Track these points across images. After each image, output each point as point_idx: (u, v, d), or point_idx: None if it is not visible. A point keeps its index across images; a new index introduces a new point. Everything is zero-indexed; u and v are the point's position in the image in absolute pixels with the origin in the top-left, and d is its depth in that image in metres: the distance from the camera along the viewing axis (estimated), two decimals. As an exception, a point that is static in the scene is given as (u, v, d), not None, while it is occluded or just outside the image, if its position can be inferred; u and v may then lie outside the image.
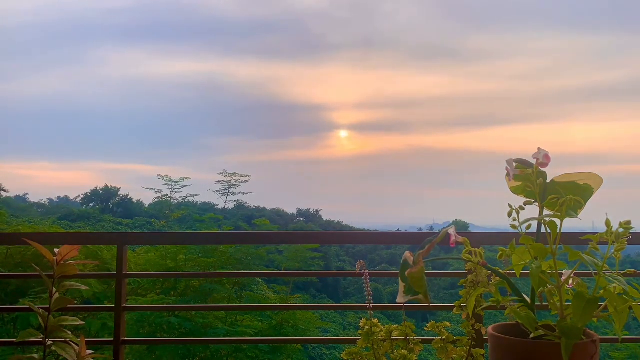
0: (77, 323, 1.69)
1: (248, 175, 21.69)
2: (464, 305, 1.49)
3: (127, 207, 34.68)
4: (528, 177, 1.33)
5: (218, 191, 23.72)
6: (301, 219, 37.70)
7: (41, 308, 1.67)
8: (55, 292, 1.66)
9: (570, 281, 1.28)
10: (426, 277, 1.40)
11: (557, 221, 1.24)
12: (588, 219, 1.38)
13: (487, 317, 2.01)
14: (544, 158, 1.31)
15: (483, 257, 1.42)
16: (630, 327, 13.98)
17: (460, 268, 2.44)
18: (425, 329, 1.58)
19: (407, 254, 1.45)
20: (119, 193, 36.76)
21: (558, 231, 1.24)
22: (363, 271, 1.66)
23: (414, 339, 1.55)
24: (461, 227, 23.71)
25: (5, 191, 27.66)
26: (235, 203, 30.08)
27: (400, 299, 1.46)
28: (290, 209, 39.81)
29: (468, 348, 1.52)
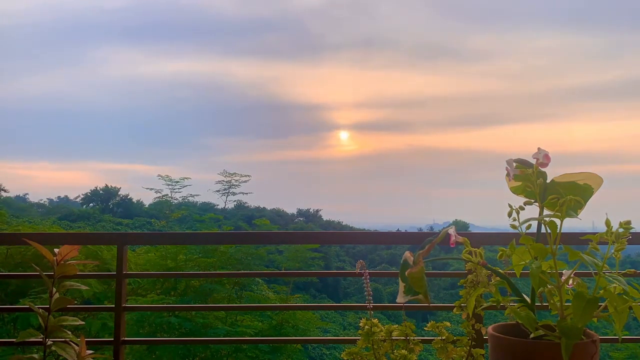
0: (77, 323, 1.69)
1: (248, 175, 21.71)
2: (464, 305, 1.49)
3: (127, 207, 34.68)
4: (528, 177, 1.33)
5: (218, 191, 23.73)
6: (301, 219, 37.70)
7: (41, 308, 1.67)
8: (55, 292, 1.66)
9: (570, 281, 1.28)
10: (426, 277, 1.40)
11: (557, 221, 1.24)
12: (588, 219, 1.38)
13: (487, 317, 2.01)
14: (544, 158, 1.31)
15: (483, 257, 1.42)
16: (630, 327, 13.99)
17: (460, 268, 2.44)
18: (425, 329, 1.58)
19: (407, 254, 1.45)
20: (119, 193, 36.79)
21: (558, 231, 1.24)
22: (363, 271, 1.66)
23: (414, 339, 1.55)
24: (461, 227, 23.72)
25: (5, 191, 27.67)
26: (235, 203, 30.11)
27: (400, 299, 1.46)
28: (290, 209, 39.86)
29: (468, 348, 1.52)
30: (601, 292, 1.22)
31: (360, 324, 1.55)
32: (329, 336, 11.38)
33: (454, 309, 1.52)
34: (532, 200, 1.33)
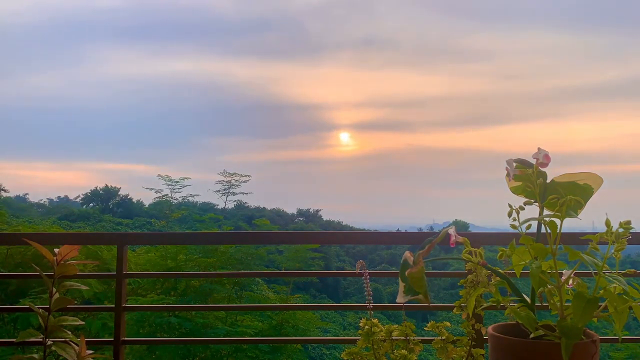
0: (77, 323, 1.69)
1: (248, 175, 21.66)
2: (464, 305, 1.49)
3: (127, 207, 34.69)
4: (528, 177, 1.33)
5: (218, 191, 23.68)
6: (301, 219, 37.71)
7: (41, 308, 1.67)
8: (55, 292, 1.66)
9: (570, 281, 1.28)
10: (426, 277, 1.40)
11: (557, 221, 1.24)
12: (588, 219, 1.38)
13: (487, 317, 2.01)
14: (544, 158, 1.31)
15: (483, 257, 1.42)
16: (630, 327, 13.98)
17: (460, 268, 2.44)
18: (425, 329, 1.58)
19: (407, 254, 1.45)
20: (119, 193, 36.79)
21: (558, 231, 1.24)
22: (363, 271, 1.66)
23: (414, 339, 1.55)
24: (461, 227, 23.70)
25: (5, 191, 27.62)
26: (235, 203, 30.08)
27: (400, 299, 1.46)
28: (290, 209, 39.86)
29: (468, 348, 1.52)
30: (601, 292, 1.22)
31: (360, 324, 1.55)
32: (329, 336, 11.38)
33: (454, 309, 1.52)
34: (532, 200, 1.33)
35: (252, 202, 34.26)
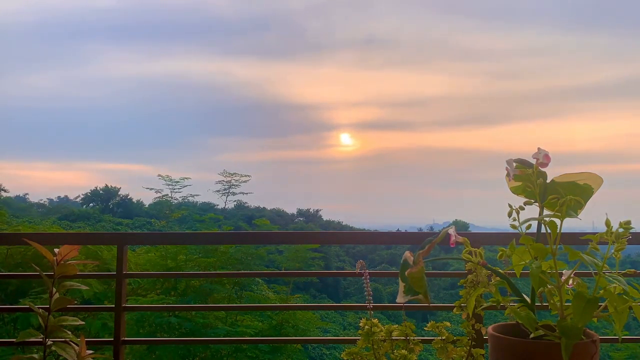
0: (77, 323, 1.69)
1: (248, 175, 21.66)
2: (464, 305, 1.49)
3: (127, 207, 34.70)
4: (528, 177, 1.33)
5: (218, 191, 23.69)
6: (301, 219, 37.72)
7: (41, 308, 1.67)
8: (55, 292, 1.66)
9: (570, 281, 1.28)
10: (426, 277, 1.40)
11: (557, 221, 1.24)
12: (588, 219, 1.38)
13: (487, 317, 2.01)
14: (543, 158, 1.31)
15: (483, 257, 1.42)
16: (630, 327, 13.98)
17: (460, 268, 2.44)
18: (425, 329, 1.58)
19: (407, 254, 1.45)
20: (119, 193, 36.79)
21: (558, 231, 1.24)
22: (363, 271, 1.66)
23: (414, 339, 1.55)
24: (461, 227, 23.70)
25: (5, 191, 27.62)
26: (235, 203, 30.09)
27: (400, 299, 1.46)
28: (290, 209, 39.87)
29: (468, 348, 1.52)
30: (601, 292, 1.22)
31: (360, 324, 1.55)
32: (329, 336, 11.38)
33: (454, 309, 1.52)
34: (532, 200, 1.33)
35: (252, 202, 34.29)
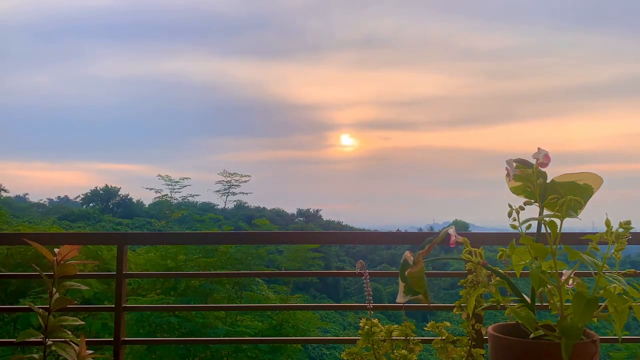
0: (77, 323, 1.69)
1: (248, 175, 21.71)
2: (464, 305, 1.49)
3: (127, 207, 34.69)
4: (528, 177, 1.33)
5: (218, 191, 23.73)
6: (301, 219, 37.71)
7: (41, 308, 1.67)
8: (55, 292, 1.66)
9: (570, 281, 1.28)
10: (426, 277, 1.40)
11: (557, 221, 1.24)
12: (588, 219, 1.38)
13: (487, 317, 2.01)
14: (543, 158, 1.31)
15: (483, 257, 1.42)
16: (630, 327, 13.99)
17: (460, 268, 2.44)
18: (425, 329, 1.58)
19: (407, 254, 1.45)
20: (119, 193, 36.79)
21: (558, 231, 1.24)
22: (363, 271, 1.66)
23: (414, 339, 1.55)
24: (461, 227, 23.70)
25: (5, 191, 27.64)
26: (235, 203, 30.10)
27: (400, 299, 1.46)
28: (290, 209, 39.87)
29: (468, 348, 1.52)
30: (601, 292, 1.22)
31: (360, 324, 1.55)
32: (329, 336, 11.38)
33: (454, 309, 1.52)
34: (532, 200, 1.33)
35: (252, 202, 34.27)
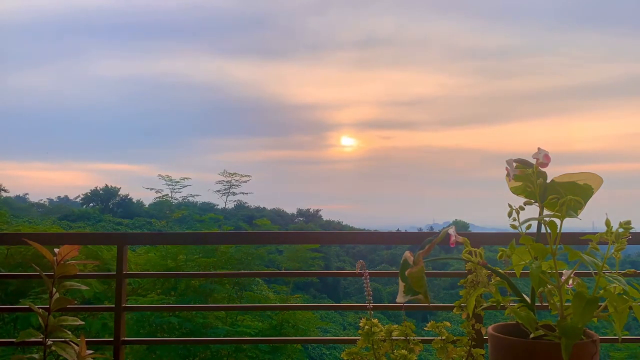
0: (77, 323, 1.69)
1: (248, 175, 21.69)
2: (464, 305, 1.49)
3: (127, 207, 34.69)
4: (528, 177, 1.33)
5: (218, 191, 23.72)
6: (301, 219, 37.71)
7: (41, 308, 1.67)
8: (55, 292, 1.66)
9: (570, 281, 1.28)
10: (426, 277, 1.40)
11: (557, 221, 1.24)
12: (588, 219, 1.38)
13: (487, 317, 2.01)
14: (543, 158, 1.31)
15: (483, 257, 1.42)
16: (630, 327, 13.97)
17: (460, 268, 2.44)
18: (425, 329, 1.58)
19: (407, 254, 1.45)
20: (119, 193, 36.78)
21: (558, 231, 1.24)
22: (363, 271, 1.66)
23: (414, 339, 1.55)
24: (461, 227, 23.70)
25: (5, 191, 27.65)
26: (235, 203, 30.11)
27: (400, 299, 1.46)
28: (290, 209, 39.87)
29: (468, 348, 1.52)
30: (601, 292, 1.22)
31: (360, 324, 1.55)
32: (329, 336, 11.39)
33: (454, 309, 1.52)
34: (532, 200, 1.33)
35: (252, 202, 34.28)
